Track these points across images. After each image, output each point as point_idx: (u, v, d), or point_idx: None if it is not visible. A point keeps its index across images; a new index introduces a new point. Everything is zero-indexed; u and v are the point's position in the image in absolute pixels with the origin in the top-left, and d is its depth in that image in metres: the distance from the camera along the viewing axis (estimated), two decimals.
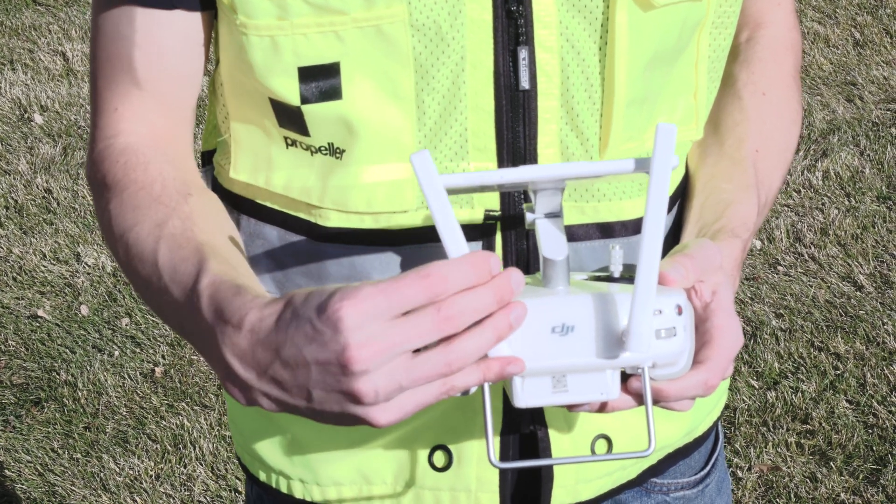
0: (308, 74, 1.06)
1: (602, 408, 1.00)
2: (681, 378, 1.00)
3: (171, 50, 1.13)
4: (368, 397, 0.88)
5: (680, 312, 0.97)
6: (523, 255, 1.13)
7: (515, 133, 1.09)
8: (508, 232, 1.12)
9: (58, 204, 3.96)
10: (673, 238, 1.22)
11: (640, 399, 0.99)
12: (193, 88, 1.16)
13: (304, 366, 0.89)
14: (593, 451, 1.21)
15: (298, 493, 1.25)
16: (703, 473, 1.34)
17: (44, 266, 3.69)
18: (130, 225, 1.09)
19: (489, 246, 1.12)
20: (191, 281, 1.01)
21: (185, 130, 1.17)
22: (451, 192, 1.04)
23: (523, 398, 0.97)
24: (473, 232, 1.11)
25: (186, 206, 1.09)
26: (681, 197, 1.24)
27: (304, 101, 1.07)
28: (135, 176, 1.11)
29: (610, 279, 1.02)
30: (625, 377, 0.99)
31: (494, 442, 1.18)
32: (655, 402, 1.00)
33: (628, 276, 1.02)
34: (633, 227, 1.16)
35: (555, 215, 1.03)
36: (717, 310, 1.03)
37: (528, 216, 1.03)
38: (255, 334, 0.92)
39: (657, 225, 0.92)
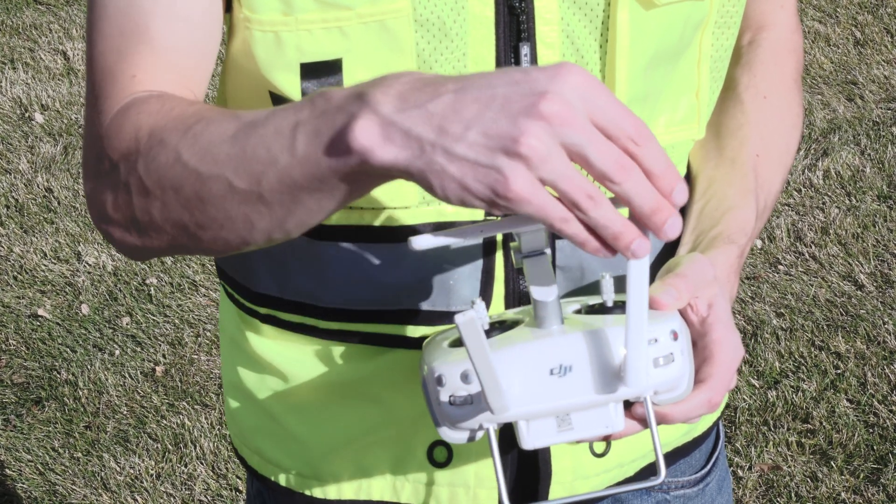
0: (310, 71, 1.06)
1: (608, 436, 1.00)
2: (685, 400, 1.01)
3: (193, 19, 1.06)
4: (526, 146, 0.81)
5: (676, 338, 0.98)
6: None
7: None
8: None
9: (58, 203, 3.96)
10: (677, 239, 1.22)
11: (645, 424, 1.00)
12: (210, 64, 1.10)
13: (482, 101, 0.82)
14: (592, 449, 1.21)
15: (298, 487, 1.25)
16: (703, 472, 1.34)
17: (44, 265, 3.69)
18: (194, 121, 0.96)
19: (490, 244, 1.12)
20: (301, 102, 0.91)
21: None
22: (431, 250, 1.05)
23: (530, 440, 0.98)
24: None
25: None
26: None
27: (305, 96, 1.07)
28: (172, 102, 1.01)
29: (603, 309, 1.02)
30: (628, 403, 1.00)
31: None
32: (660, 423, 1.01)
33: (621, 302, 1.02)
34: None
35: (540, 252, 1.03)
36: (714, 323, 1.03)
37: (516, 256, 1.04)
38: (420, 80, 0.85)
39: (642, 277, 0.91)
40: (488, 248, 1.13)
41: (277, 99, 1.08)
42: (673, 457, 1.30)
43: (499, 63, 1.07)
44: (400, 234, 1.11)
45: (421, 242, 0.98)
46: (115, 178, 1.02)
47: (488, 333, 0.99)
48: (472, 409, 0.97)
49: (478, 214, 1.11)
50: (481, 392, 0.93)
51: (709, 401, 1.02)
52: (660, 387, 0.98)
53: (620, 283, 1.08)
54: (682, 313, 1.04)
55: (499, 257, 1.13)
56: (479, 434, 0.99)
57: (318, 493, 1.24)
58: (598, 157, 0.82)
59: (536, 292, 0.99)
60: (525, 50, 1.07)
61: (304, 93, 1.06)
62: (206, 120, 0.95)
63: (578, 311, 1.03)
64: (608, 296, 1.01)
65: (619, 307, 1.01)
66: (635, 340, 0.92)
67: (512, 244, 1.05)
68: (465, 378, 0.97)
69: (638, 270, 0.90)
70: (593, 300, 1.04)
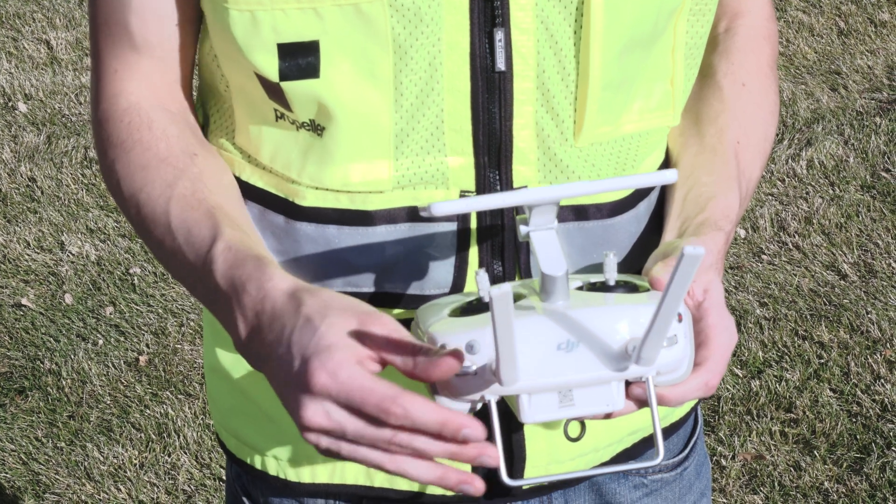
0: (287, 51, 1.06)
1: (607, 416, 1.01)
2: (682, 383, 1.01)
3: (166, 13, 1.14)
4: (312, 445, 0.98)
5: (680, 320, 0.99)
6: (498, 234, 1.13)
7: (491, 115, 1.09)
8: (483, 213, 1.12)
9: (42, 192, 3.95)
10: (656, 223, 1.22)
11: (642, 405, 1.01)
12: (191, 48, 1.18)
13: (279, 379, 0.99)
14: (566, 433, 1.22)
15: (273, 470, 1.25)
16: (681, 457, 1.34)
17: (28, 255, 3.68)
18: (140, 186, 1.13)
19: (464, 224, 1.12)
20: (206, 245, 1.07)
21: (185, 87, 1.20)
22: (446, 218, 1.07)
23: (530, 414, 0.98)
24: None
25: (194, 166, 1.13)
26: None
27: (283, 77, 1.07)
28: (139, 136, 1.15)
29: (605, 287, 1.02)
30: (626, 383, 1.00)
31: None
32: (658, 404, 1.01)
33: (623, 282, 1.02)
34: (607, 210, 1.16)
35: (549, 227, 1.03)
36: (709, 308, 1.05)
37: (522, 229, 1.03)
38: (261, 325, 1.01)
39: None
40: (462, 232, 1.13)
41: (262, 79, 1.09)
42: (649, 441, 1.30)
43: (473, 49, 1.07)
44: (373, 217, 1.12)
45: (441, 209, 0.98)
46: (99, 150, 1.18)
47: None
48: (475, 380, 0.97)
49: (451, 196, 1.11)
50: (494, 363, 0.93)
51: (705, 384, 1.03)
52: (662, 368, 0.98)
53: (621, 265, 1.08)
54: None
55: (473, 241, 1.13)
56: (479, 406, 0.99)
57: (292, 476, 1.24)
58: (364, 440, 0.96)
59: (546, 266, 0.99)
60: (500, 35, 1.07)
61: (281, 74, 1.07)
62: (147, 194, 1.13)
63: (580, 288, 1.03)
64: (611, 274, 1.01)
65: (622, 286, 1.02)
66: (662, 323, 0.92)
67: (519, 217, 1.04)
68: (470, 349, 0.96)
69: (690, 258, 0.88)
70: (595, 278, 1.05)
